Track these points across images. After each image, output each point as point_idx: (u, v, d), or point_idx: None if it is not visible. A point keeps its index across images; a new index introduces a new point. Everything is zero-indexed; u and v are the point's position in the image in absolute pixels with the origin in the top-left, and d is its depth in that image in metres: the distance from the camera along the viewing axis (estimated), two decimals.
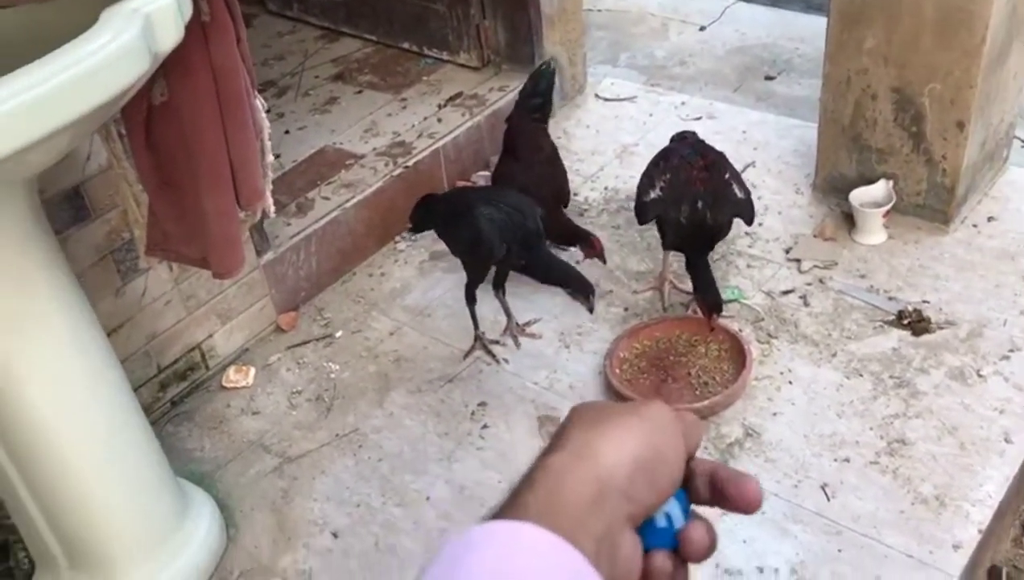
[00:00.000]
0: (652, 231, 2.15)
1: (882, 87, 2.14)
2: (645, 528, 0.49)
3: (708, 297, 1.88)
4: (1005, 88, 2.16)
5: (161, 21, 1.19)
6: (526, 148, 2.25)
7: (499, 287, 2.04)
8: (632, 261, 2.26)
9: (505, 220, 1.88)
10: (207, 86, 1.45)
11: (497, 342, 2.07)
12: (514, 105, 2.38)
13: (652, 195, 1.91)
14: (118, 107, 1.29)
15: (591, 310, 1.88)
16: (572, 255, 2.14)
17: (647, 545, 0.49)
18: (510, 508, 0.45)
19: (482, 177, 2.63)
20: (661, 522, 0.49)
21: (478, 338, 2.05)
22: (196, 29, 1.38)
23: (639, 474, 0.47)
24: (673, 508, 0.50)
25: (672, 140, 2.11)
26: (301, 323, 2.20)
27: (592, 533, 0.45)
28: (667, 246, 2.01)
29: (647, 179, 1.96)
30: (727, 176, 1.92)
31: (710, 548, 0.50)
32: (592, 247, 2.10)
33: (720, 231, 1.90)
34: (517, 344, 2.08)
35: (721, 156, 1.99)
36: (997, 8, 1.93)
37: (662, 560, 0.49)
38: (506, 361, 2.02)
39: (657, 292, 2.13)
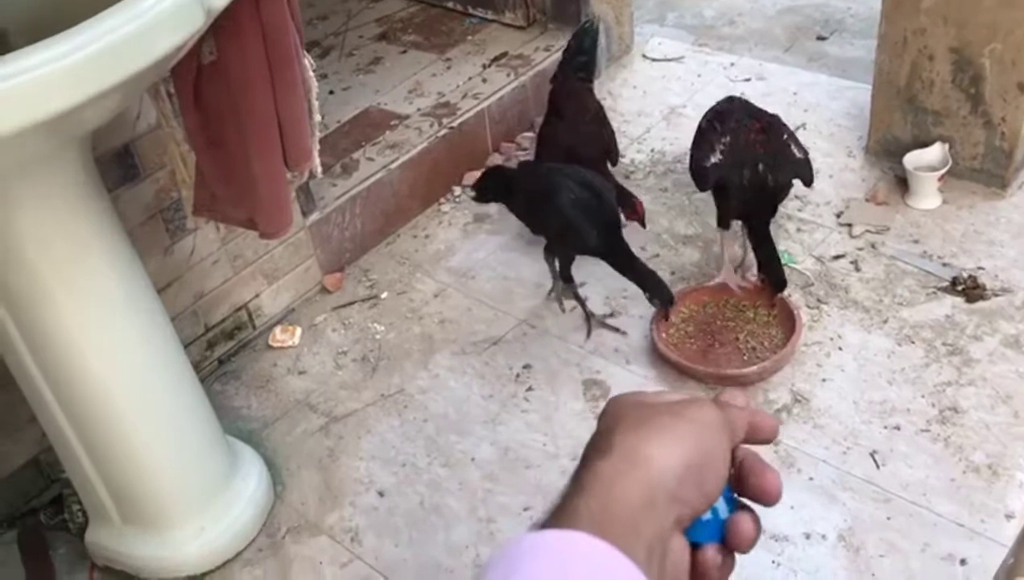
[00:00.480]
0: (699, 194, 2.11)
1: (940, 47, 2.08)
2: (692, 523, 0.49)
3: (773, 275, 1.85)
4: None
5: None
6: (571, 108, 2.23)
7: (549, 250, 2.02)
8: (679, 224, 2.24)
9: (588, 202, 1.87)
10: (256, 45, 1.44)
11: (611, 314, 2.03)
12: (558, 65, 2.35)
13: (712, 160, 1.86)
14: (170, 65, 1.28)
15: (666, 318, 1.89)
16: None
17: (694, 539, 0.49)
18: (562, 514, 0.45)
19: (527, 138, 2.61)
20: (707, 515, 0.49)
21: (590, 318, 2.00)
22: None
23: (688, 478, 0.47)
24: (718, 501, 0.49)
25: (722, 101, 2.06)
26: (346, 284, 2.21)
27: (644, 539, 0.45)
28: (726, 216, 1.93)
29: (705, 144, 1.90)
30: (785, 137, 1.88)
31: (756, 538, 0.50)
32: (634, 210, 2.07)
33: (781, 192, 1.86)
34: (562, 308, 2.07)
35: (775, 117, 1.94)
36: None
37: (712, 554, 0.49)
38: (624, 333, 1.98)
39: (719, 266, 2.04)
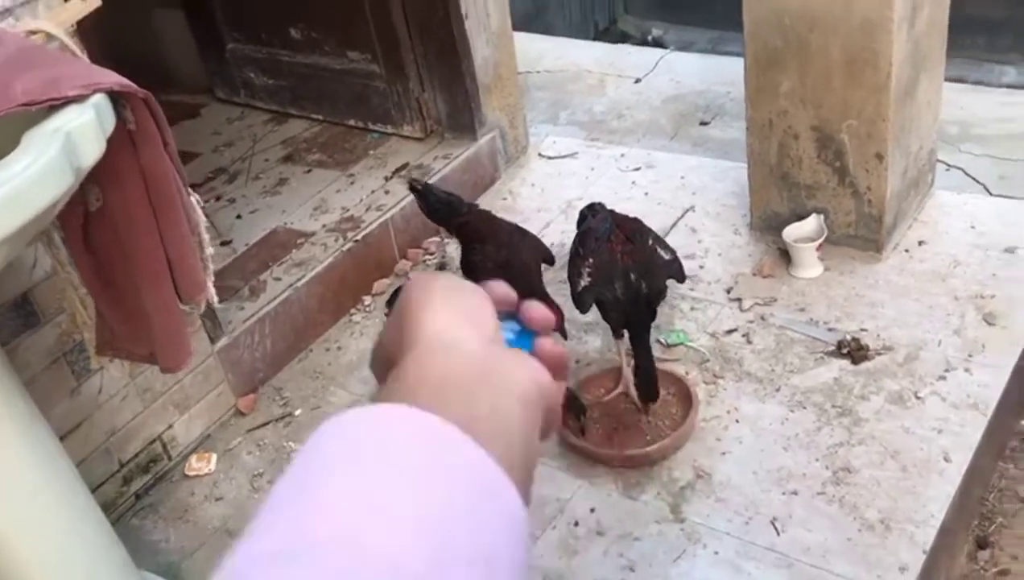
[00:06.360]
0: None
1: (802, 126, 2.23)
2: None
3: (643, 389, 1.90)
4: (919, 118, 2.24)
5: (82, 138, 1.25)
6: (487, 230, 2.20)
7: None
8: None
9: None
10: (138, 191, 1.50)
11: None
12: (439, 222, 2.35)
13: (583, 283, 1.92)
14: (48, 220, 1.34)
15: (583, 432, 1.93)
16: None
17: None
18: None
19: (433, 243, 2.69)
20: (509, 336, 0.52)
21: None
22: (123, 137, 1.44)
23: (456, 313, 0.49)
24: (506, 330, 0.52)
25: (582, 214, 2.14)
26: (261, 404, 2.24)
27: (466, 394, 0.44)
28: (615, 328, 1.98)
29: (573, 269, 1.96)
30: (650, 241, 1.95)
31: (564, 354, 0.53)
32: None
33: (657, 297, 1.92)
34: None
35: (639, 223, 2.01)
36: (898, 46, 2.02)
37: (550, 345, 0.52)
38: None
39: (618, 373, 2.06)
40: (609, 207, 2.15)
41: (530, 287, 2.11)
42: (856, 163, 2.20)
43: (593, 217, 2.09)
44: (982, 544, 1.90)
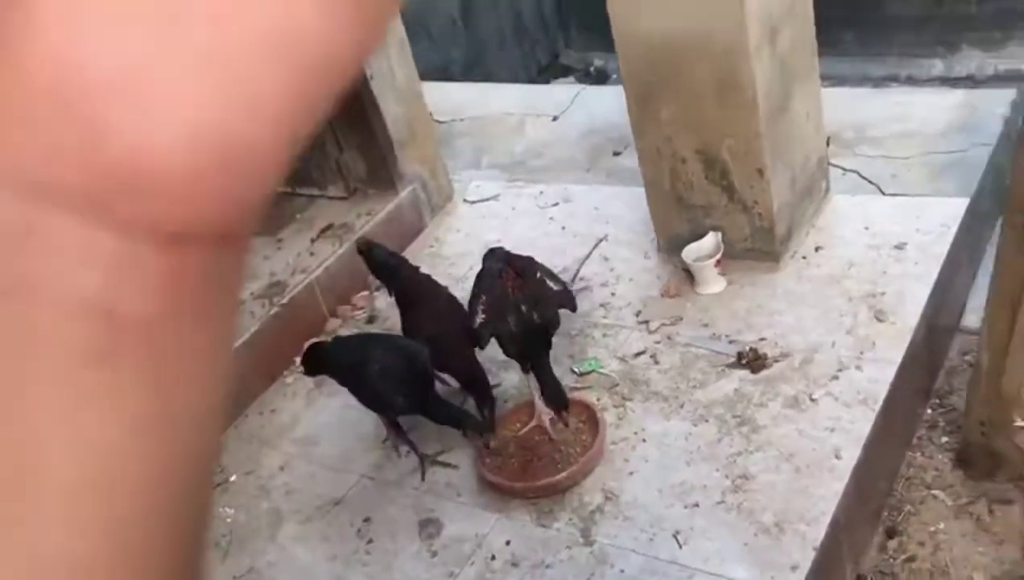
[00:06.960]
0: None
1: (687, 150, 2.32)
2: None
3: (552, 399, 1.98)
4: (799, 129, 2.34)
5: None
6: (422, 301, 2.25)
7: None
8: (498, 351, 2.39)
9: (397, 369, 2.00)
10: None
11: (442, 452, 2.14)
12: (383, 280, 2.42)
13: (478, 320, 2.02)
14: None
15: (488, 446, 2.01)
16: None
17: None
18: None
19: (362, 298, 2.78)
20: None
21: (423, 460, 2.12)
22: None
23: None
24: None
25: (485, 257, 2.22)
26: None
27: None
28: (520, 362, 2.06)
29: (471, 309, 2.06)
30: (539, 275, 2.06)
31: None
32: (481, 411, 2.03)
33: (551, 325, 2.02)
34: (398, 453, 2.19)
35: (529, 260, 2.12)
36: (760, 68, 2.11)
37: None
38: (456, 467, 2.10)
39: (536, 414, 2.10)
40: (528, 244, 2.26)
41: (465, 363, 2.11)
42: (740, 180, 2.29)
43: (492, 258, 2.19)
44: (891, 534, 1.97)
